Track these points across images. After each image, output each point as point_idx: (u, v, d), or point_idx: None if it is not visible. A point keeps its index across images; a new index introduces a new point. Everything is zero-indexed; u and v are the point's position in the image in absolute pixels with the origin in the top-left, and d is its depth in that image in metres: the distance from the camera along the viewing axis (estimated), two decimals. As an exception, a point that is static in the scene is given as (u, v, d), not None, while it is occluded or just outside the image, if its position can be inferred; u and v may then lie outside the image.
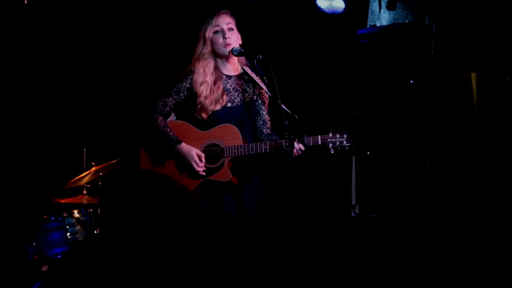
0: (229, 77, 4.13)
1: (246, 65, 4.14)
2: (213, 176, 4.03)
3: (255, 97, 4.16)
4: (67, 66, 6.35)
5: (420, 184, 6.86)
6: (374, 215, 7.00)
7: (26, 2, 5.52)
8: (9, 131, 6.10)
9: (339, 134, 3.96)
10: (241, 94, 4.11)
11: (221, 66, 4.13)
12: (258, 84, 4.11)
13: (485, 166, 6.51)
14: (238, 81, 4.13)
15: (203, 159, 4.00)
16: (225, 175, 4.01)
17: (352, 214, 7.15)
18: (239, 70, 4.16)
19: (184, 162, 4.03)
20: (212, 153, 4.03)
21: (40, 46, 6.21)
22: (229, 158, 4.00)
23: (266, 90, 4.07)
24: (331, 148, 3.96)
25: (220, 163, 4.02)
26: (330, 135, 3.96)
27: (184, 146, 4.00)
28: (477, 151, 6.56)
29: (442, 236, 6.26)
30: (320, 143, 3.96)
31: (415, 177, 6.87)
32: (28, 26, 6.09)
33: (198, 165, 3.99)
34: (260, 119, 4.19)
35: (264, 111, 4.19)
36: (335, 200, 7.06)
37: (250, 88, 4.15)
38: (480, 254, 5.71)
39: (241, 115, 4.10)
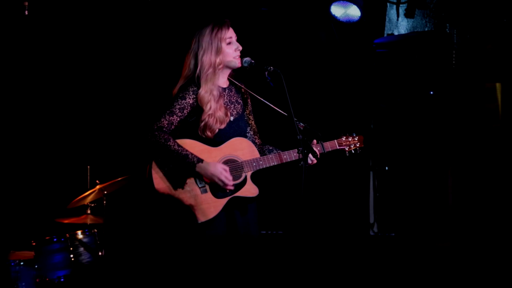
0: (224, 89, 4.11)
1: (231, 76, 4.14)
2: (239, 192, 3.96)
3: (245, 107, 4.16)
4: (70, 82, 6.36)
5: (441, 201, 6.77)
6: (393, 234, 6.95)
7: (26, 13, 5.39)
8: (10, 147, 6.10)
9: (351, 137, 4.17)
10: (235, 106, 4.10)
11: (220, 79, 4.08)
12: (245, 94, 4.14)
13: None
14: (230, 93, 4.11)
15: (229, 171, 3.92)
16: (252, 189, 3.98)
17: (370, 232, 7.09)
18: (228, 82, 4.15)
19: (207, 181, 3.90)
20: (234, 169, 3.96)
21: (44, 61, 6.22)
22: (251, 172, 3.98)
23: (261, 99, 4.07)
24: (347, 152, 4.15)
25: (242, 178, 3.97)
26: (344, 138, 4.16)
27: (207, 163, 3.88)
28: (503, 165, 6.45)
29: (463, 258, 6.17)
30: (338, 147, 4.14)
31: (436, 194, 6.79)
32: (29, 42, 6.15)
33: (229, 180, 3.88)
34: (251, 130, 4.15)
35: (252, 121, 4.18)
36: (352, 219, 6.98)
37: (240, 99, 4.14)
38: (505, 280, 5.58)
39: (241, 127, 4.08)
